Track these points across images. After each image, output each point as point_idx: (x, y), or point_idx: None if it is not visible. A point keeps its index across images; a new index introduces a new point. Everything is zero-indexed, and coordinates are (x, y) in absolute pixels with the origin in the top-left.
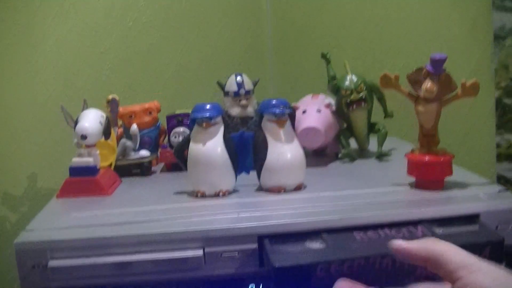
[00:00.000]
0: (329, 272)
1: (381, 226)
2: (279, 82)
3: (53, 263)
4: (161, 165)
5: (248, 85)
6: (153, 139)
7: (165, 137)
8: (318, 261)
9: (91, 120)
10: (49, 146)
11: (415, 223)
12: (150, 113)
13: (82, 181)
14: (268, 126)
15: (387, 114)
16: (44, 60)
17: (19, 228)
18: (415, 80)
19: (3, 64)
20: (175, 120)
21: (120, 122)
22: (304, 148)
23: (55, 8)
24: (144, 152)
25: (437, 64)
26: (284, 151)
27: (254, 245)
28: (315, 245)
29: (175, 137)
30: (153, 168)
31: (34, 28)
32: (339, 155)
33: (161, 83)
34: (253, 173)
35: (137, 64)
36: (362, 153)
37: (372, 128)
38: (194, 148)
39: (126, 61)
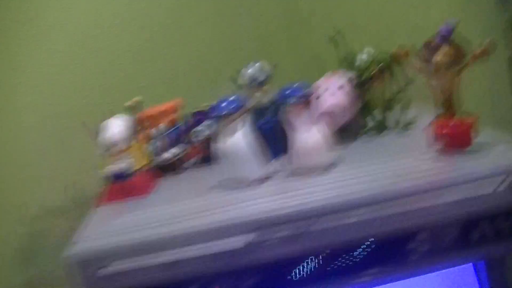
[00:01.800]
0: None
1: None
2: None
3: (103, 271)
4: (193, 159)
5: (261, 75)
6: (180, 135)
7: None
8: None
9: (116, 127)
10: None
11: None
12: (174, 111)
13: (120, 186)
14: (288, 113)
15: (406, 81)
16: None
17: (63, 240)
18: (425, 55)
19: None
20: (200, 115)
21: (147, 124)
22: (329, 127)
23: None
24: (174, 150)
25: (446, 35)
26: (307, 135)
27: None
28: None
29: (202, 130)
30: (185, 164)
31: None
32: (365, 130)
33: (181, 79)
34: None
35: (156, 61)
36: (387, 124)
37: (393, 97)
38: (222, 142)
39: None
